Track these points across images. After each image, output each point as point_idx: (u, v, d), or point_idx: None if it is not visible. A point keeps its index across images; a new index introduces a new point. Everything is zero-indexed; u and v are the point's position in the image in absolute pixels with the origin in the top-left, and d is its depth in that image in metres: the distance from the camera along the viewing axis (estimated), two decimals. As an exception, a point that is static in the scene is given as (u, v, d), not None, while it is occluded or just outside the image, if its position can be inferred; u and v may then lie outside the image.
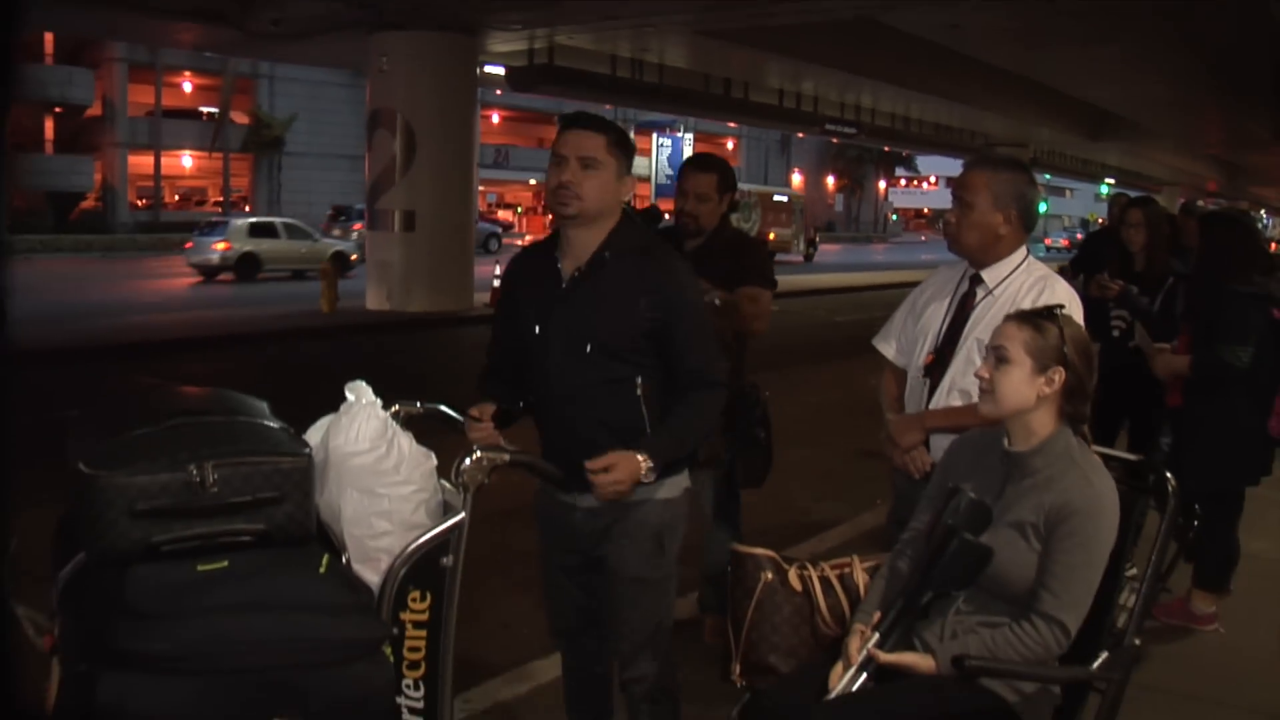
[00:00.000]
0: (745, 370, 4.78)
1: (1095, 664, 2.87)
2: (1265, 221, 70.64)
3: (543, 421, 3.32)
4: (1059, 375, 2.84)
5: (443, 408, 3.27)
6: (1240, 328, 5.01)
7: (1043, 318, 2.91)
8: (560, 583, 3.44)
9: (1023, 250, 3.56)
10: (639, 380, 3.18)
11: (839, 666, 2.84)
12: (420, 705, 2.74)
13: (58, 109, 41.36)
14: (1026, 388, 2.85)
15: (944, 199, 75.27)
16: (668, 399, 3.22)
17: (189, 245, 28.63)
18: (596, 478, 3.05)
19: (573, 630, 3.50)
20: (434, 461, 2.80)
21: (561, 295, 3.21)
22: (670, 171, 47.08)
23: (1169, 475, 3.03)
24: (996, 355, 2.89)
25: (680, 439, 3.23)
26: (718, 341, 3.47)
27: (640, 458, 3.07)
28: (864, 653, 2.81)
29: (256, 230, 28.55)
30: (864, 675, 2.80)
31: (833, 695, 2.79)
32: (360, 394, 2.75)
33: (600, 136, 3.16)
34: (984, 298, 3.53)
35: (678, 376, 3.22)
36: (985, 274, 3.54)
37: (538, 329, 3.23)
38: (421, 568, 2.69)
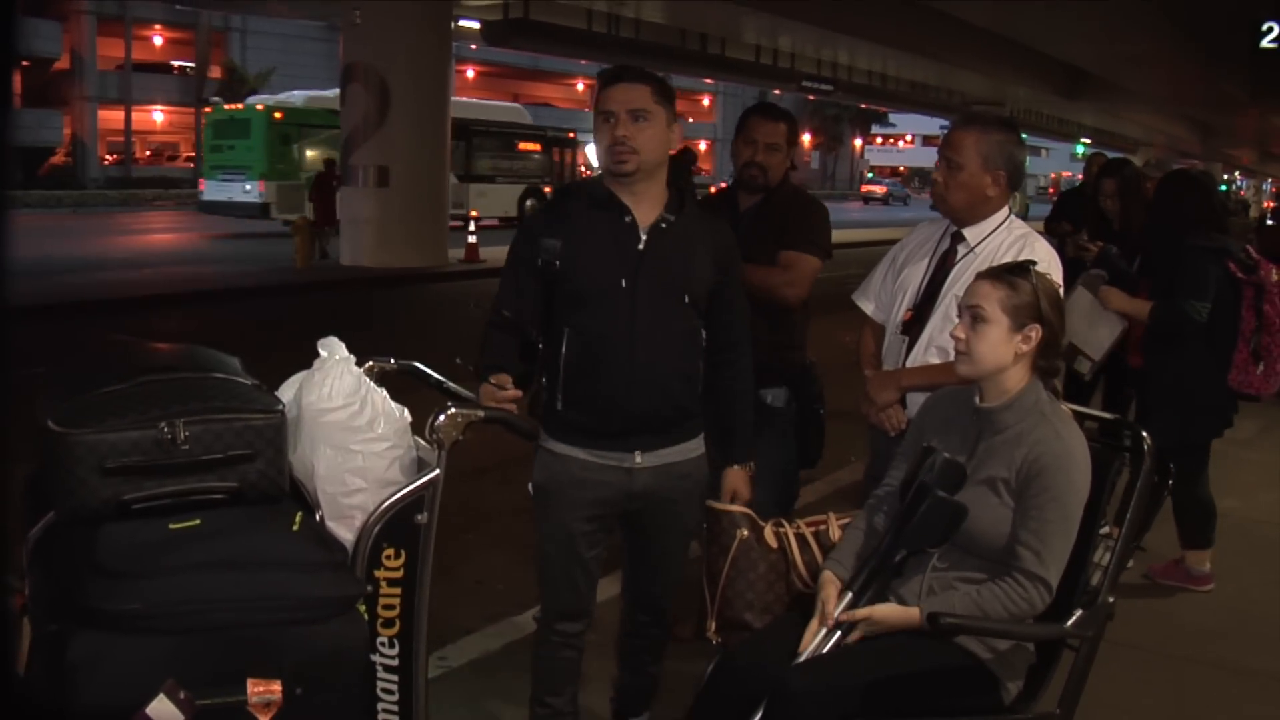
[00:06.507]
0: (805, 345, 4.44)
1: (1070, 621, 2.89)
2: (1240, 183, 70.99)
3: (600, 375, 3.16)
4: (1035, 332, 2.84)
5: (417, 364, 3.25)
6: (1199, 283, 5.08)
7: (1014, 274, 2.90)
8: (581, 557, 3.31)
9: (1005, 209, 3.56)
10: (703, 333, 3.28)
11: (814, 623, 2.85)
12: (395, 663, 2.73)
13: (25, 62, 40.73)
14: (1004, 346, 2.85)
15: (920, 157, 75.34)
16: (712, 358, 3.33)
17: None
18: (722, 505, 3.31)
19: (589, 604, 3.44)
20: (408, 418, 2.78)
21: (649, 247, 3.17)
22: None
23: (1144, 433, 3.04)
24: (973, 315, 2.88)
25: (750, 421, 3.48)
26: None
27: (745, 470, 3.42)
28: (840, 608, 2.81)
29: None
30: (838, 634, 2.80)
31: (806, 653, 2.80)
32: (333, 350, 2.73)
33: (645, 86, 3.15)
34: (964, 255, 3.52)
35: (727, 333, 3.34)
36: (967, 232, 3.53)
37: (615, 281, 3.14)
38: (396, 525, 2.67)
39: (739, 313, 3.37)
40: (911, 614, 2.78)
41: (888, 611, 2.80)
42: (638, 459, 3.21)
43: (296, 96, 29.23)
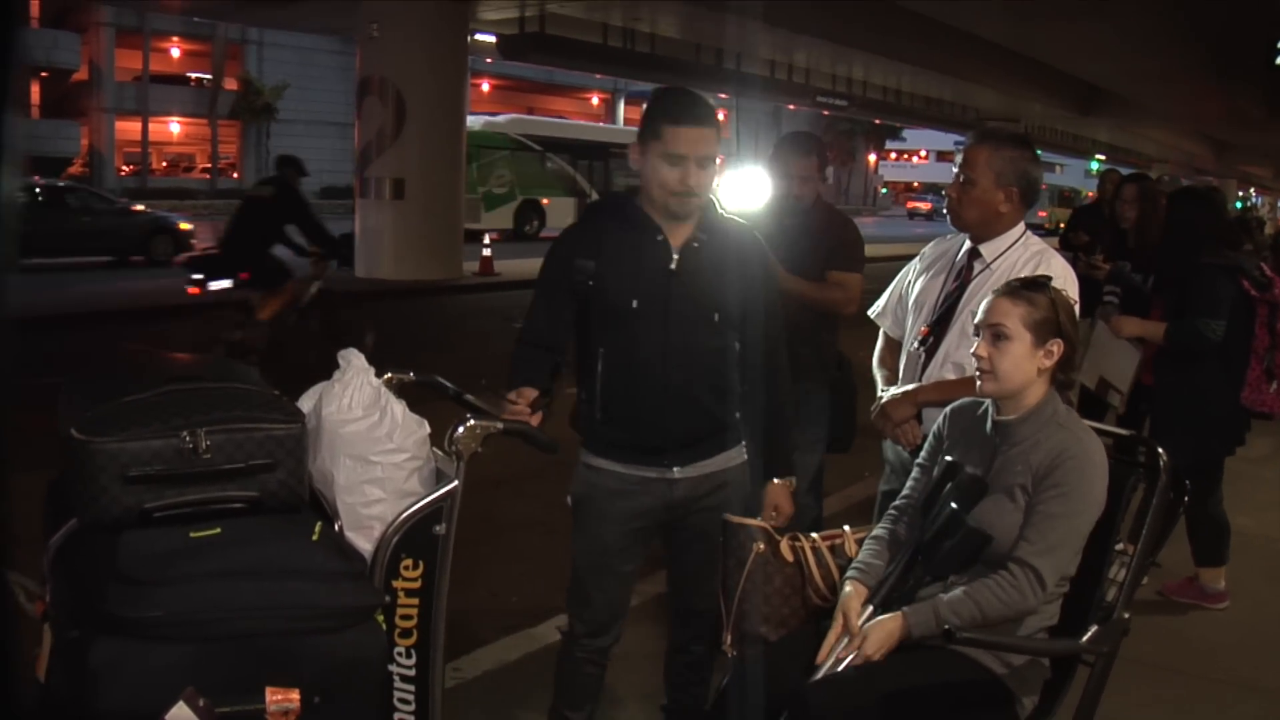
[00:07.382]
0: (837, 344, 4.89)
1: (1085, 637, 2.89)
2: (1255, 199, 70.77)
3: (635, 395, 3.20)
4: (1057, 347, 2.85)
5: (435, 376, 3.26)
6: (1213, 300, 5.07)
7: (1031, 290, 2.91)
8: (616, 570, 3.34)
9: (1020, 225, 3.56)
10: (736, 346, 3.28)
11: (832, 634, 2.85)
12: (412, 673, 2.74)
13: (43, 73, 40.92)
14: (1028, 362, 2.86)
15: (934, 173, 75.24)
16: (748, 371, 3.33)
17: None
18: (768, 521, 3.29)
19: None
20: (427, 429, 2.80)
21: (680, 267, 3.18)
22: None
23: (1160, 450, 3.04)
24: (994, 333, 2.88)
25: (790, 434, 3.47)
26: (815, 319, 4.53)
27: (787, 484, 3.39)
28: (862, 620, 2.81)
29: None
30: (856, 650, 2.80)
31: (824, 665, 2.80)
32: (353, 361, 2.75)
33: (713, 131, 3.11)
34: (981, 271, 3.53)
35: (761, 346, 3.32)
36: (983, 248, 3.54)
37: (647, 301, 3.15)
38: (414, 536, 2.68)
39: (772, 325, 3.36)
40: (895, 618, 2.77)
41: (880, 624, 2.79)
42: (675, 473, 3.25)
43: (474, 121, 29.72)
